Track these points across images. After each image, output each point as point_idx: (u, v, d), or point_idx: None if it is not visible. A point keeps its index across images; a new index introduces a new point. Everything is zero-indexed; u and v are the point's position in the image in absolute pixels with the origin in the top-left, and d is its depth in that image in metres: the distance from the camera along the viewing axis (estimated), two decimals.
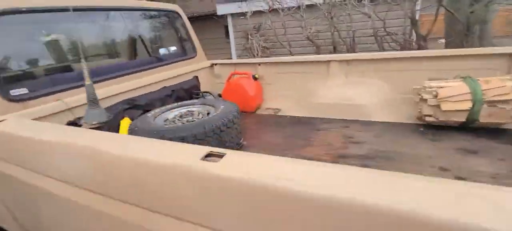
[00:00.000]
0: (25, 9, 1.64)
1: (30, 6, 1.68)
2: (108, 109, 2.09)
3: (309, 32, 4.94)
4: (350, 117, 2.58)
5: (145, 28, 3.84)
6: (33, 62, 2.02)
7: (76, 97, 1.90)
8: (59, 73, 2.06)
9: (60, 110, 1.72)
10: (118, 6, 2.55)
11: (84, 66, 1.27)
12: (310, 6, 5.18)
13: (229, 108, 2.12)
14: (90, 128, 1.22)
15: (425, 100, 2.21)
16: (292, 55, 5.39)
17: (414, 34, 3.80)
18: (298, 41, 6.27)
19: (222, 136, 1.91)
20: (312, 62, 2.88)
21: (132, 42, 3.96)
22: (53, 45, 1.84)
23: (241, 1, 6.36)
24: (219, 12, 7.19)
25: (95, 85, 2.07)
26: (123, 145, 1.00)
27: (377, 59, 2.60)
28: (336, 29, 4.59)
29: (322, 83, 2.87)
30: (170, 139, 1.72)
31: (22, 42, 1.79)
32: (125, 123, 2.09)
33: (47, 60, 2.02)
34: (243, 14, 6.13)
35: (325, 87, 2.83)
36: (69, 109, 1.75)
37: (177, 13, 3.20)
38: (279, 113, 2.95)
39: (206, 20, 12.03)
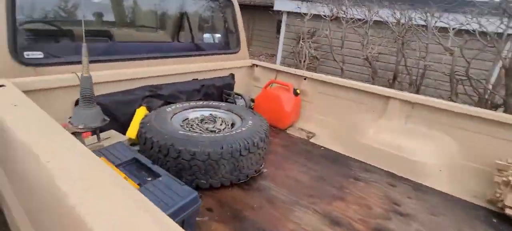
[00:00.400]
0: None
1: None
2: (128, 92, 1.90)
3: (370, 52, 4.34)
4: (399, 172, 2.09)
5: (192, 10, 3.66)
6: (56, 25, 1.90)
7: (98, 74, 1.73)
8: (92, 44, 1.89)
9: (71, 85, 1.54)
10: None
11: (83, 51, 1.03)
12: (378, 23, 4.55)
13: (258, 127, 1.78)
14: (74, 132, 0.99)
15: (511, 185, 1.66)
16: (343, 73, 4.85)
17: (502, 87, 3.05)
18: (353, 58, 5.65)
19: (241, 160, 1.59)
20: (367, 92, 2.40)
21: (175, 22, 3.81)
22: (83, 10, 1.65)
23: (303, 0, 5.91)
24: (275, 7, 6.81)
25: (120, 64, 1.92)
26: None
27: (453, 111, 2.04)
28: (404, 56, 3.93)
29: (374, 120, 2.39)
30: (179, 151, 1.45)
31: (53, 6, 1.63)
32: (141, 112, 1.88)
33: (74, 26, 1.87)
34: (300, 14, 5.67)
35: (376, 126, 2.35)
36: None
37: (230, 1, 2.91)
38: (312, 139, 2.54)
39: (261, 11, 11.74)
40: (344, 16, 4.81)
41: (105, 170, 0.68)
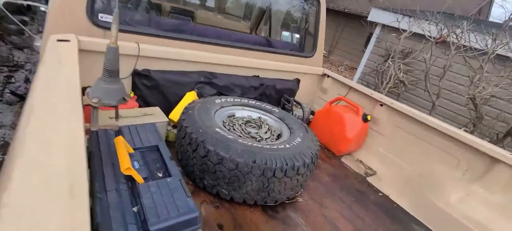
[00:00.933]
0: None
1: None
2: (183, 74, 1.88)
3: (479, 92, 3.39)
4: None
5: (277, 6, 3.51)
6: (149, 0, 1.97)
7: (161, 48, 1.74)
8: (158, 18, 1.92)
9: (132, 54, 1.58)
10: None
11: (114, 17, 0.95)
12: (501, 58, 3.51)
13: (305, 148, 1.51)
14: (87, 104, 0.94)
15: None
16: (434, 108, 3.96)
17: None
18: (453, 94, 4.57)
19: (272, 182, 1.36)
20: (462, 143, 1.82)
21: (258, 15, 3.73)
22: None
23: (404, 15, 5.09)
24: (370, 17, 6.10)
25: (189, 44, 1.90)
26: None
27: None
28: None
29: (462, 183, 1.80)
30: (208, 151, 1.31)
31: None
32: (190, 97, 1.83)
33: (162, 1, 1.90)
34: (397, 30, 4.89)
35: (465, 193, 1.76)
36: (139, 56, 1.59)
37: (317, 1, 2.64)
38: (371, 178, 2.10)
39: (352, 19, 10.91)
40: (456, 41, 3.89)
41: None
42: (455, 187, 1.81)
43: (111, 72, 0.98)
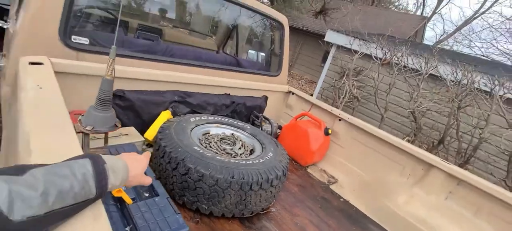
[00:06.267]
0: None
1: None
2: (157, 93, 1.92)
3: (417, 107, 3.97)
4: None
5: (244, 24, 3.70)
6: (115, 18, 1.95)
7: (134, 69, 1.76)
8: (132, 38, 1.95)
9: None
10: None
11: (111, 52, 1.01)
12: (434, 78, 4.16)
13: (276, 162, 1.66)
14: (80, 131, 0.97)
15: None
16: (383, 120, 4.50)
17: None
18: (398, 107, 5.24)
19: (249, 195, 1.48)
20: (406, 152, 2.14)
21: (225, 33, 3.88)
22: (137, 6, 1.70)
23: (355, 38, 5.71)
24: (326, 38, 6.69)
25: (162, 65, 1.94)
26: None
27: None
28: (457, 121, 3.50)
29: (406, 186, 2.11)
30: (188, 169, 1.38)
31: None
32: (165, 116, 1.87)
33: (125, 18, 1.93)
34: (350, 50, 5.47)
35: (409, 195, 2.07)
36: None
37: (281, 24, 2.88)
38: (333, 186, 2.33)
39: (310, 37, 11.74)
40: (398, 62, 4.51)
41: None
42: (401, 190, 2.11)
43: (105, 102, 1.01)
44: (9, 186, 0.47)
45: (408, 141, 3.77)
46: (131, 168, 0.68)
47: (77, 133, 0.85)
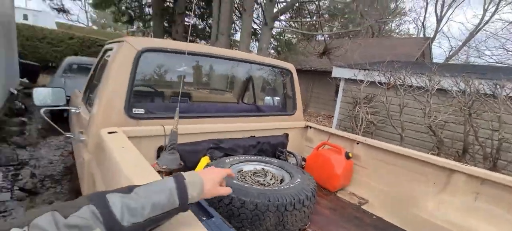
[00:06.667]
0: (159, 48, 2.06)
1: (163, 47, 2.09)
2: (196, 144, 2.29)
3: (433, 121, 4.09)
4: None
5: (257, 76, 4.21)
6: (155, 90, 2.47)
7: (180, 127, 2.17)
8: (172, 103, 2.40)
9: (156, 135, 1.98)
10: (240, 57, 2.81)
11: (176, 112, 1.40)
12: (442, 92, 4.35)
13: (305, 185, 1.90)
14: (159, 170, 1.31)
15: None
16: (403, 140, 4.59)
17: None
18: (415, 125, 5.32)
19: (286, 215, 1.70)
20: (426, 162, 2.29)
21: (242, 86, 4.39)
22: (174, 80, 2.18)
23: (359, 69, 6.11)
24: (333, 74, 7.15)
25: (197, 120, 2.36)
26: None
27: None
28: (473, 127, 3.59)
29: (433, 194, 2.22)
30: (232, 199, 1.66)
31: (152, 74, 2.22)
32: (204, 161, 2.21)
33: (164, 89, 2.43)
34: (356, 81, 5.82)
35: (437, 202, 2.17)
36: (165, 135, 2.01)
37: (289, 71, 3.32)
38: (365, 206, 2.45)
39: (320, 75, 12.31)
40: (402, 84, 4.77)
41: None
42: (429, 198, 2.22)
43: (173, 147, 1.37)
44: (122, 200, 0.66)
45: (432, 154, 3.81)
46: (205, 181, 0.91)
47: (157, 171, 1.19)
